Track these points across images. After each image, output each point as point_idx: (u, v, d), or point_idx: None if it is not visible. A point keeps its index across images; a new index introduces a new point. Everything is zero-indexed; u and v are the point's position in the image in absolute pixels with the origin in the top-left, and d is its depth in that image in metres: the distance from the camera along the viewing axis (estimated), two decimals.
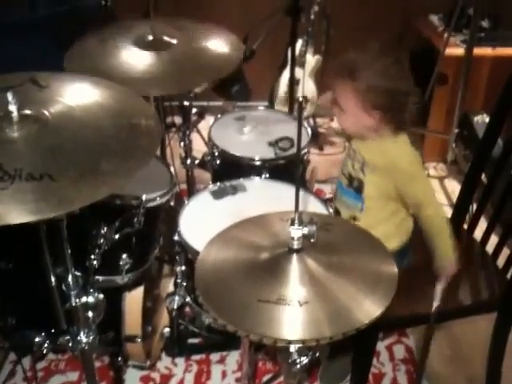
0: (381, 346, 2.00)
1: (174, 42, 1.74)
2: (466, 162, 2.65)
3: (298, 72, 2.66)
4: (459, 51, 2.70)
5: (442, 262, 1.48)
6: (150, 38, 1.74)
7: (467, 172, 1.87)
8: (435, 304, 1.47)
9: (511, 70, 1.63)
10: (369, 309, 1.02)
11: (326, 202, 1.67)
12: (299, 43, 2.76)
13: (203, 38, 1.77)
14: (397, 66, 1.39)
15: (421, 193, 1.46)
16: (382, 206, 1.50)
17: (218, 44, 1.76)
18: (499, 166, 1.70)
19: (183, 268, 1.58)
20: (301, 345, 1.00)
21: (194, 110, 2.01)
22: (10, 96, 1.11)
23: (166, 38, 1.75)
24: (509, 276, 1.62)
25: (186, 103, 1.93)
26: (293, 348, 1.18)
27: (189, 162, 2.00)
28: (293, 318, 1.00)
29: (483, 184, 1.85)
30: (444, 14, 2.95)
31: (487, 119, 2.56)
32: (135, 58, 1.67)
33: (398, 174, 1.43)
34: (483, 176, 1.85)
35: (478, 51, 2.65)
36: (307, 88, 2.88)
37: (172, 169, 1.78)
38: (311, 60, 2.93)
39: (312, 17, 2.75)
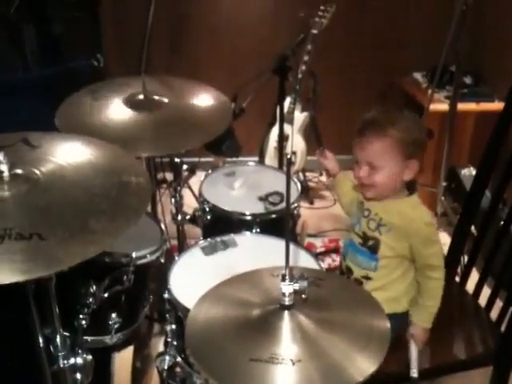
0: None
1: (165, 100, 1.77)
2: (455, 215, 2.67)
3: (287, 128, 2.71)
4: (443, 107, 2.77)
5: (420, 325, 1.47)
6: (141, 97, 1.78)
7: (457, 224, 1.88)
8: (414, 370, 1.44)
9: (495, 124, 1.67)
10: (362, 366, 1.00)
11: (316, 256, 1.66)
12: (287, 101, 2.82)
13: (193, 98, 1.81)
14: (417, 120, 1.50)
15: (433, 255, 1.46)
16: (396, 265, 1.49)
17: (208, 104, 1.79)
18: (488, 217, 1.72)
19: (174, 326, 1.54)
20: None
21: (185, 167, 2.02)
22: (1, 156, 1.13)
23: (156, 98, 1.78)
24: (503, 329, 1.61)
25: (176, 160, 1.95)
26: None
27: (180, 217, 2.00)
28: (285, 378, 0.98)
29: (473, 236, 1.86)
30: (427, 71, 3.05)
31: (474, 172, 2.59)
32: (126, 117, 1.70)
33: (414, 235, 1.44)
34: (473, 228, 1.87)
35: (462, 106, 2.72)
36: (296, 144, 2.93)
37: (162, 225, 1.78)
38: (300, 116, 2.99)
39: (299, 76, 2.82)
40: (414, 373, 1.44)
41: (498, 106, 2.80)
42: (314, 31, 2.75)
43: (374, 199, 1.50)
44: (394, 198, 1.48)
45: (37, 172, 1.16)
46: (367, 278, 1.51)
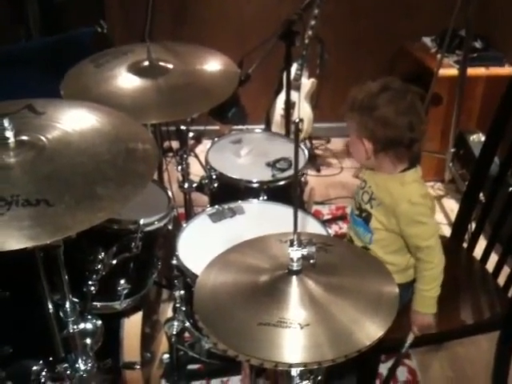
0: (383, 368, 1.98)
1: (170, 67, 1.75)
2: (463, 181, 2.66)
3: (294, 95, 2.68)
4: (453, 72, 2.73)
5: (415, 309, 1.46)
6: (146, 63, 1.75)
7: (465, 191, 1.87)
8: (402, 351, 1.48)
9: (504, 89, 1.64)
10: (370, 330, 1.01)
11: (324, 222, 1.66)
12: (294, 67, 2.78)
13: (199, 63, 1.78)
14: (400, 101, 1.37)
15: (418, 236, 1.42)
16: (392, 240, 1.47)
17: (214, 69, 1.77)
18: (497, 184, 1.70)
19: (182, 292, 1.56)
20: (302, 368, 0.98)
21: (191, 135, 2.01)
22: (6, 122, 1.12)
23: (161, 64, 1.75)
24: (510, 294, 1.61)
25: (182, 128, 1.94)
26: (294, 372, 1.16)
27: (186, 185, 2.00)
28: (294, 341, 0.99)
29: (481, 202, 1.85)
30: (436, 36, 2.99)
31: (483, 138, 2.57)
32: (131, 84, 1.67)
33: (398, 214, 1.41)
34: (481, 194, 1.85)
35: (472, 71, 2.67)
36: (303, 111, 2.90)
37: (170, 192, 1.78)
38: (306, 83, 2.96)
39: (306, 41, 2.78)
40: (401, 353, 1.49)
41: (508, 70, 2.76)
42: None
43: (371, 170, 1.49)
44: (385, 172, 1.45)
45: (43, 139, 1.15)
46: (366, 249, 1.50)
